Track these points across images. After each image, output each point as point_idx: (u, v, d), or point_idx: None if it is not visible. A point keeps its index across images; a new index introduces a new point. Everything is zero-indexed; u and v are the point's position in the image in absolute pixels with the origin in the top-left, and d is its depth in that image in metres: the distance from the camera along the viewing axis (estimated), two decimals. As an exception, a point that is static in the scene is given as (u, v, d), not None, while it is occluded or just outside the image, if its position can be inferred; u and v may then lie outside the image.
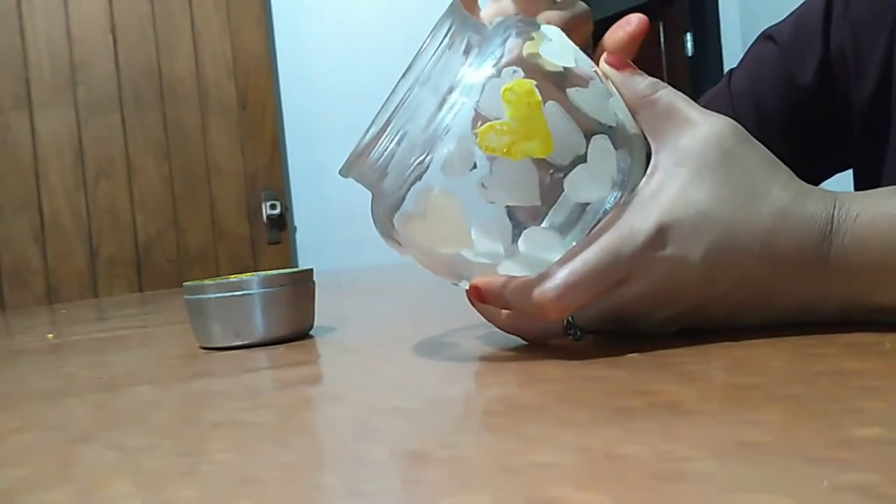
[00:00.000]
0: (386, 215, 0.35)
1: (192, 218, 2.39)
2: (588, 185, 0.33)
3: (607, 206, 0.34)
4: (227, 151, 2.42)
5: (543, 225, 0.34)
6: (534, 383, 0.30)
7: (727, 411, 0.23)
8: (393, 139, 0.33)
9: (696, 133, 0.34)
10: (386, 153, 0.34)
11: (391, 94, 0.33)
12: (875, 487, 0.16)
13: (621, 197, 0.34)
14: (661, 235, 0.32)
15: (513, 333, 0.38)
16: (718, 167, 0.33)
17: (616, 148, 0.33)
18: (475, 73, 0.33)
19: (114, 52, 2.34)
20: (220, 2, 2.41)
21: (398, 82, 0.33)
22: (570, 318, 0.35)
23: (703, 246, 0.32)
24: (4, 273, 2.25)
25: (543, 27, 0.35)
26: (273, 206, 2.44)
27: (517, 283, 0.33)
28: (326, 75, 2.47)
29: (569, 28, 0.38)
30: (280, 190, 2.46)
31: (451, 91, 0.33)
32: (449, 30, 0.34)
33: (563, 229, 0.34)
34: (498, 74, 0.33)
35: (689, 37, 3.21)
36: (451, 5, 0.35)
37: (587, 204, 0.33)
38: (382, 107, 0.33)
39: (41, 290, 2.26)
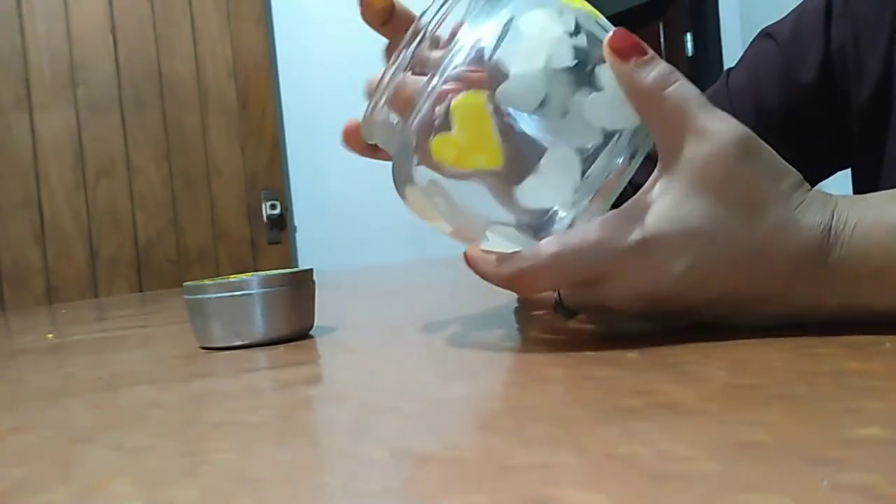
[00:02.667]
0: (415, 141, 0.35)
1: (192, 218, 2.39)
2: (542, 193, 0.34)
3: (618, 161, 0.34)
4: (227, 151, 2.42)
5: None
6: (534, 383, 0.30)
7: (727, 411, 0.23)
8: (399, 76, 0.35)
9: (702, 147, 0.32)
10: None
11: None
12: (875, 487, 0.16)
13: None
14: (643, 246, 0.32)
15: (507, 289, 0.37)
16: (719, 184, 0.32)
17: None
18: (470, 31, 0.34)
19: (114, 52, 2.34)
20: (220, 2, 2.42)
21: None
22: (558, 298, 0.35)
23: (686, 260, 0.32)
24: (4, 273, 2.25)
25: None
26: (273, 206, 2.44)
27: (495, 257, 0.34)
28: (326, 75, 2.47)
29: None
30: (280, 190, 2.46)
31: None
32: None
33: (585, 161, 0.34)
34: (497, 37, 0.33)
35: (689, 37, 3.21)
36: None
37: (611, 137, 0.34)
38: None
39: (41, 290, 2.27)
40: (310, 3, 2.53)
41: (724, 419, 0.22)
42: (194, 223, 2.39)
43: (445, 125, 0.34)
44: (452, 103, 0.33)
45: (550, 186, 0.34)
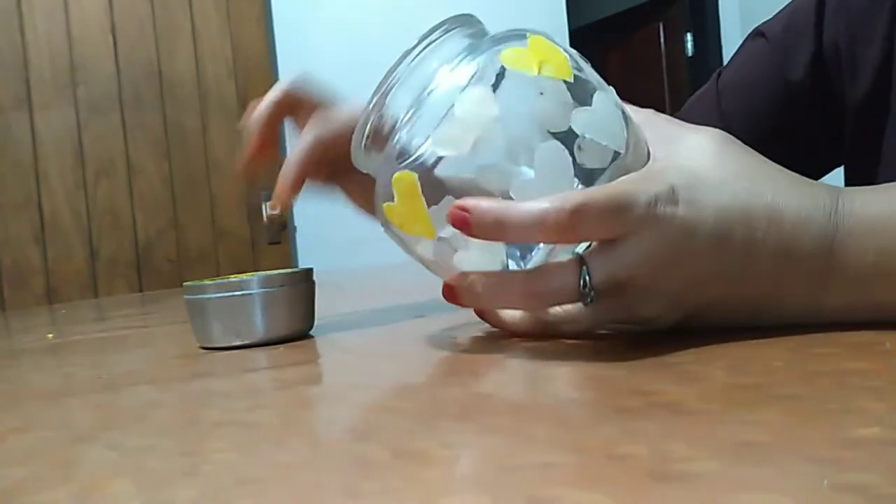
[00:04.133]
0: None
1: (192, 218, 2.39)
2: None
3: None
4: (227, 151, 2.42)
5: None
6: (534, 383, 0.30)
7: (727, 411, 0.23)
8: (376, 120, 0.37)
9: (689, 139, 0.35)
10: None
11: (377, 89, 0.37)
12: (875, 487, 0.16)
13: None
14: (673, 194, 0.32)
15: (519, 306, 0.37)
16: (716, 157, 0.34)
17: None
18: (451, 76, 0.35)
19: (114, 52, 2.34)
20: (220, 2, 2.42)
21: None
22: (586, 278, 0.33)
23: (712, 212, 0.32)
24: (4, 273, 2.25)
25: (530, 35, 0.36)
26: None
27: (526, 208, 0.32)
28: (326, 75, 2.47)
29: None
30: (280, 190, 2.46)
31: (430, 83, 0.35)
32: (447, 30, 0.37)
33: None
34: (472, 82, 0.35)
35: (689, 37, 3.21)
36: (462, 14, 0.38)
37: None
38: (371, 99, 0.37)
39: (41, 290, 2.26)
40: (310, 3, 2.53)
41: (724, 419, 0.22)
42: (194, 223, 2.39)
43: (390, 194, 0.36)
44: (394, 176, 0.35)
45: (477, 262, 0.36)
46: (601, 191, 0.32)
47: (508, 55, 0.34)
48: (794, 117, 0.57)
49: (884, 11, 0.50)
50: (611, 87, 0.36)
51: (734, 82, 0.60)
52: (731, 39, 3.00)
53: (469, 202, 0.33)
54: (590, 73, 0.36)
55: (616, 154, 0.34)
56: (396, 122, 0.36)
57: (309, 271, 0.50)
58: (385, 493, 0.19)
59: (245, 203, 2.42)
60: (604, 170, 0.34)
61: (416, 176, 0.34)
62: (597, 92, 0.35)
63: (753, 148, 0.35)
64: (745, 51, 0.61)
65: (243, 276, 0.47)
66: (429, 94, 0.35)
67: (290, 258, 2.49)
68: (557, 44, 0.36)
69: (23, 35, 2.27)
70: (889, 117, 0.51)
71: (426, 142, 0.34)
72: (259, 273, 0.48)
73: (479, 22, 0.39)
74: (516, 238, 0.33)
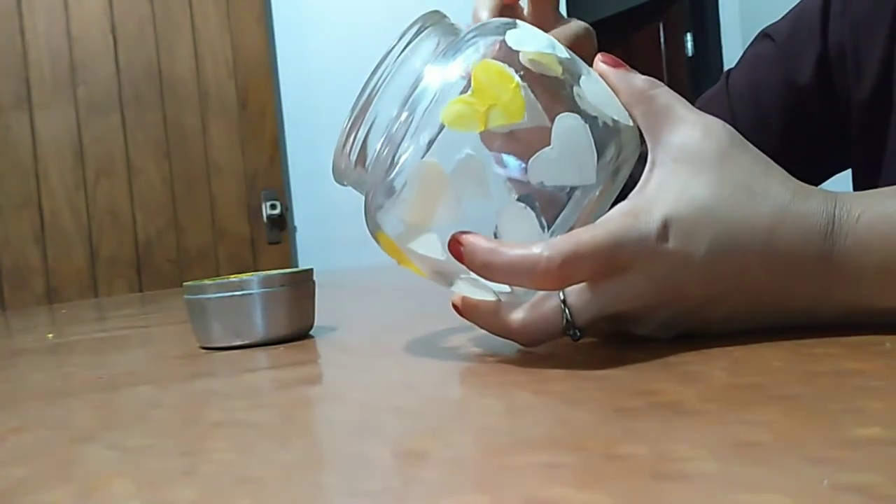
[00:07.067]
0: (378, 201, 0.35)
1: (192, 218, 2.39)
2: (556, 169, 0.33)
3: (591, 195, 0.34)
4: (227, 151, 2.42)
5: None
6: (534, 383, 0.30)
7: (727, 411, 0.23)
8: (367, 131, 0.35)
9: (691, 131, 0.34)
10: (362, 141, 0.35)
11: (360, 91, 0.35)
12: (875, 487, 0.16)
13: (603, 188, 0.34)
14: (664, 230, 0.32)
15: (508, 338, 0.37)
16: (716, 164, 0.33)
17: (607, 141, 0.34)
18: (441, 70, 0.34)
19: (114, 52, 2.34)
20: (220, 2, 2.42)
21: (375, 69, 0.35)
22: (569, 318, 0.34)
23: (705, 243, 0.32)
24: (4, 273, 2.25)
25: (512, 30, 0.35)
26: (273, 206, 2.44)
27: (515, 254, 0.32)
28: (326, 75, 2.47)
29: (571, 46, 0.40)
30: (280, 190, 2.46)
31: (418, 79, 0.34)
32: (418, 32, 0.36)
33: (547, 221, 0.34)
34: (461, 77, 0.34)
35: (689, 37, 3.21)
36: (430, 12, 0.37)
37: (569, 196, 0.34)
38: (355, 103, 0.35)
39: (41, 290, 2.27)
40: (310, 3, 2.53)
41: (724, 419, 0.22)
42: (194, 223, 2.39)
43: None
44: (375, 234, 0.35)
45: (469, 287, 0.35)
46: (590, 235, 0.31)
47: (451, 112, 0.32)
48: (802, 120, 0.57)
49: (887, 13, 0.51)
50: (587, 78, 0.35)
51: (743, 84, 0.61)
52: (731, 39, 3.00)
53: (466, 238, 0.33)
54: (550, 86, 0.34)
55: (577, 188, 0.33)
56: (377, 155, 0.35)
57: (309, 271, 0.50)
58: (385, 493, 0.19)
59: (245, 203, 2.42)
60: (567, 203, 0.33)
61: (393, 239, 0.35)
62: (559, 117, 0.33)
63: (761, 150, 0.35)
64: (752, 52, 0.61)
65: (243, 276, 0.47)
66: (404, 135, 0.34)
67: (290, 258, 2.50)
68: (509, 62, 0.34)
69: (23, 35, 2.27)
70: (892, 117, 0.51)
71: (392, 212, 0.34)
72: (259, 273, 0.48)
73: (445, 17, 0.38)
74: (506, 282, 0.33)
